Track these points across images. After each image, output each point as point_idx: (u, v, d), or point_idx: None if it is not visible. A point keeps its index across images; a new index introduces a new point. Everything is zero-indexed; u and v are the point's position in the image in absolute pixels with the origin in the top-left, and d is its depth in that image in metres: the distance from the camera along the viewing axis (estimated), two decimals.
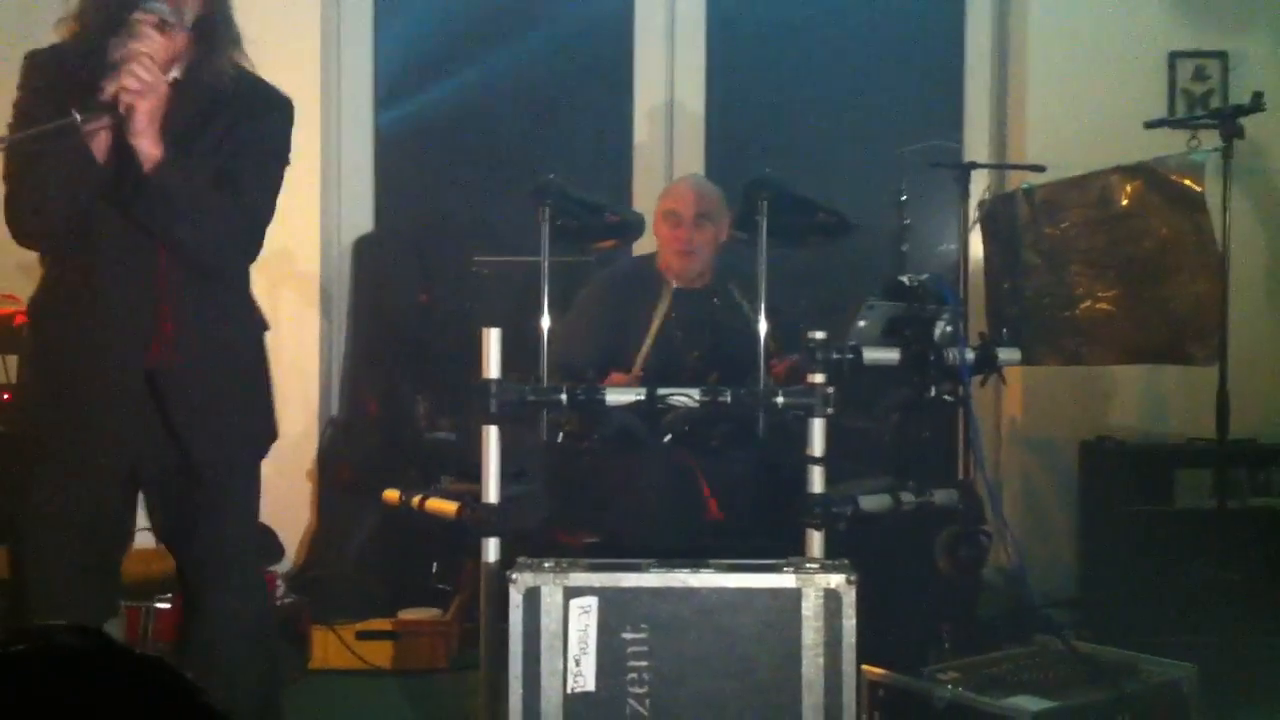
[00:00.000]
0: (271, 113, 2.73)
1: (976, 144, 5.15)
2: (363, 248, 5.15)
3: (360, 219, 5.23)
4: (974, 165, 4.24)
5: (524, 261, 4.07)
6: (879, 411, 3.77)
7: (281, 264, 4.78)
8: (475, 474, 3.30)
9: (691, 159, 5.11)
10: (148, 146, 2.42)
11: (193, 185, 2.52)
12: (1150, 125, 4.11)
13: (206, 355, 2.62)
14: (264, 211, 2.70)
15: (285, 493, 4.77)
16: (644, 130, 5.16)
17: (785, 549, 3.26)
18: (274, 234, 2.72)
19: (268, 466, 2.82)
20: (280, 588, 4.59)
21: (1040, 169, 4.15)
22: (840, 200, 3.91)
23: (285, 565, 4.73)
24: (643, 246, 4.34)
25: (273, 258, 2.91)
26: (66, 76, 2.52)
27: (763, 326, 3.47)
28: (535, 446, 3.55)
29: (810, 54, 5.20)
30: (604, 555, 3.08)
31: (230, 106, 2.63)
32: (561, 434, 3.40)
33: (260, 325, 2.80)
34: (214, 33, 2.61)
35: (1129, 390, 4.90)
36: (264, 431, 2.81)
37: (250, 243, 2.70)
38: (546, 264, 3.28)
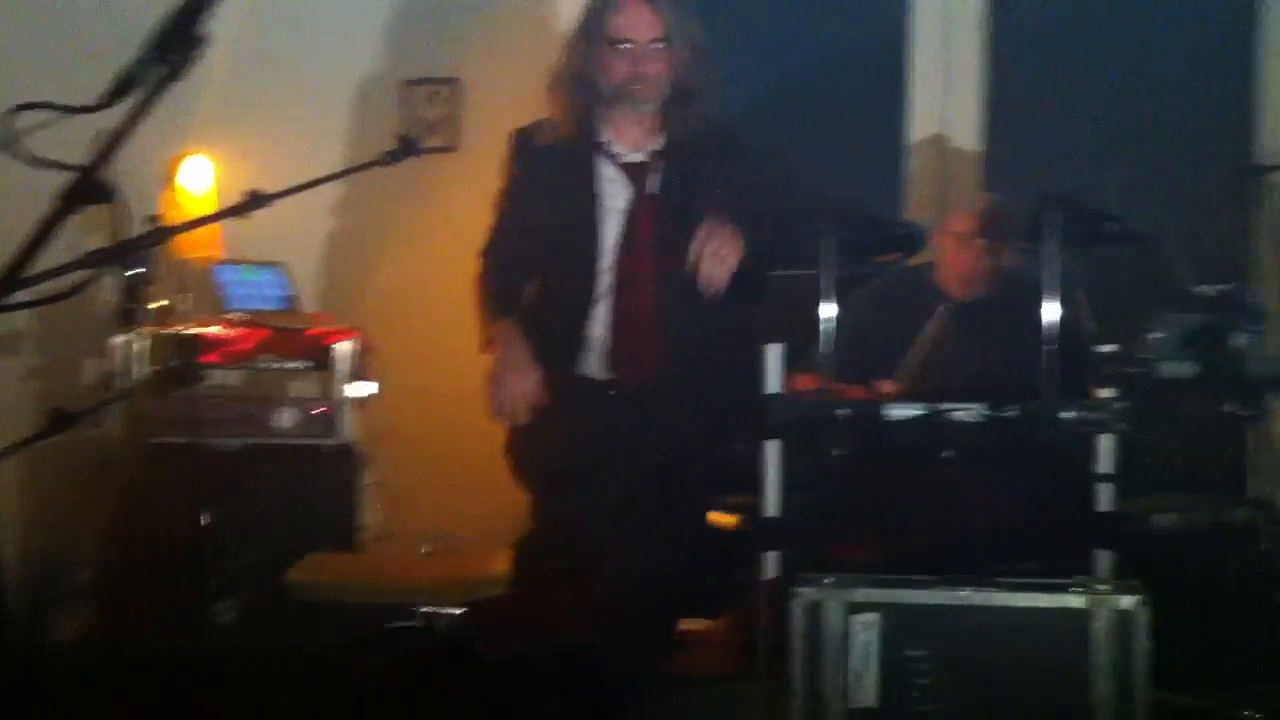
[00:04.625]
0: None
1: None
2: None
3: None
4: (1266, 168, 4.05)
5: (794, 276, 4.04)
6: (1168, 426, 3.64)
7: None
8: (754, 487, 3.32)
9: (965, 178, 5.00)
10: None
11: None
12: None
13: None
14: None
15: None
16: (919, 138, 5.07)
17: (1067, 569, 3.18)
18: None
19: None
20: None
21: None
22: (1122, 209, 3.77)
23: None
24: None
25: None
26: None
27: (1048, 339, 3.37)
28: (813, 461, 3.54)
29: (1095, 55, 5.01)
30: (884, 572, 3.06)
31: None
32: (838, 450, 3.39)
33: None
34: None
35: None
36: None
37: None
38: (827, 278, 3.28)
